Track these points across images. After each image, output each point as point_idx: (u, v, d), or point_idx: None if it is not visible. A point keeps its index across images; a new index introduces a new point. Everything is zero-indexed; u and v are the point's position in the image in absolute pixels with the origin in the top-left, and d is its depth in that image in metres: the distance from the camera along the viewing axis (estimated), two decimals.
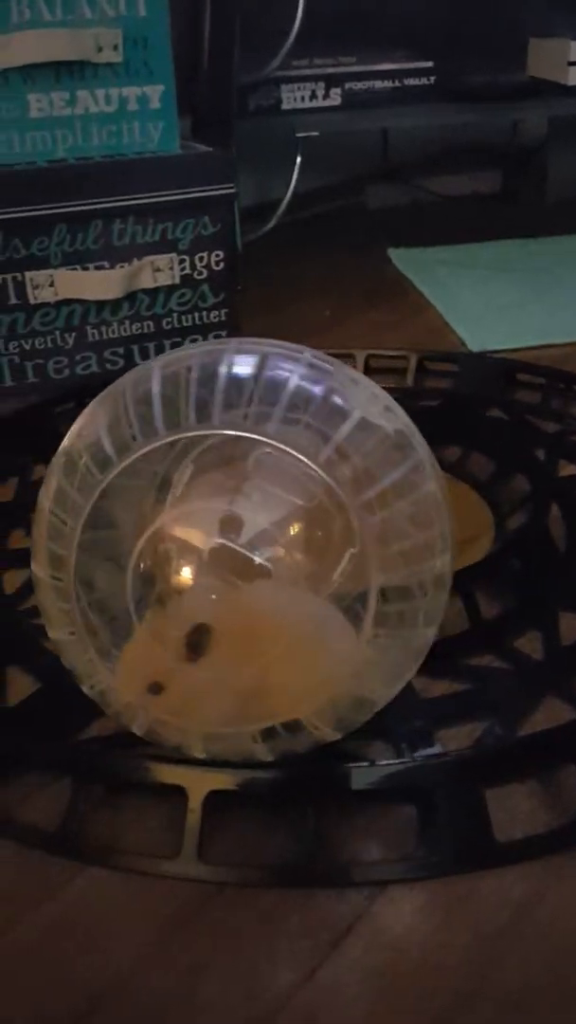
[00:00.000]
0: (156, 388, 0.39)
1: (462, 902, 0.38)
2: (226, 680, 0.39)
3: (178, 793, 0.41)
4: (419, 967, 0.36)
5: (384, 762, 0.44)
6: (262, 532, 0.38)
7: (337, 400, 0.39)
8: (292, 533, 0.39)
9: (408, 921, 0.38)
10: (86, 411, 0.41)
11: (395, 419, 0.41)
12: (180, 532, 0.39)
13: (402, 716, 0.47)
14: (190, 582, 0.39)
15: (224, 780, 0.42)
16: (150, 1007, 0.35)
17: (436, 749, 0.45)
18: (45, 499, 0.40)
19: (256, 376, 0.39)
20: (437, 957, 0.36)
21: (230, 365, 0.39)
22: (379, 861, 0.40)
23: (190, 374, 0.39)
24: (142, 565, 0.39)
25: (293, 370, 0.39)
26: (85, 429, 0.40)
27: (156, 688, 0.39)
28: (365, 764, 0.44)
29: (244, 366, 0.40)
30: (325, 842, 0.40)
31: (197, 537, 0.39)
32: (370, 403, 0.40)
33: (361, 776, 0.42)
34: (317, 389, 0.39)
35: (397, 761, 0.44)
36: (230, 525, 0.38)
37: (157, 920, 0.38)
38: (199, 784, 0.41)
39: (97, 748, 0.43)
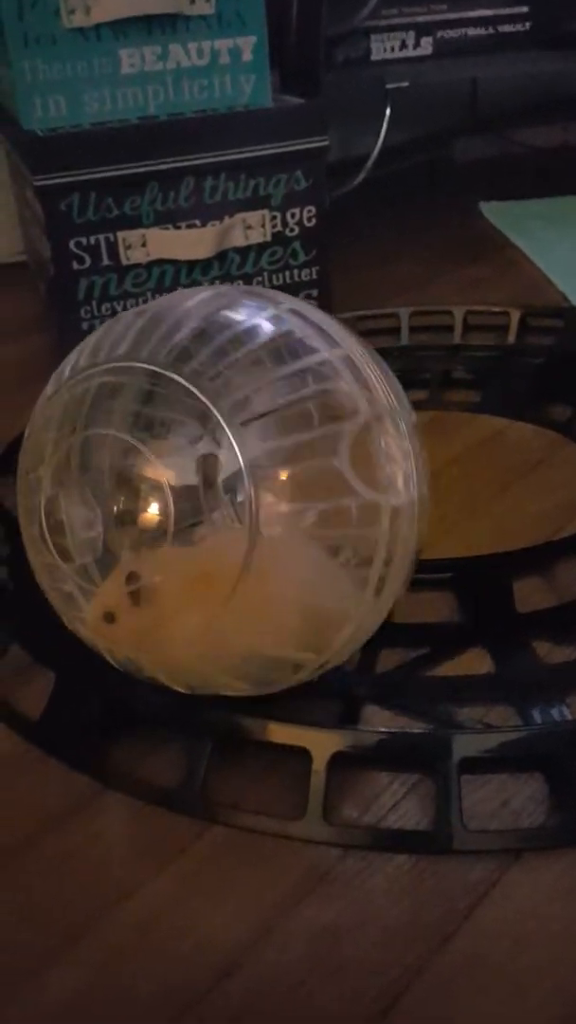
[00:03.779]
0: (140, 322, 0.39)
1: None
2: (175, 622, 0.38)
3: (300, 753, 0.41)
4: (561, 938, 0.35)
5: (512, 727, 0.43)
6: (237, 472, 0.37)
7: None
8: (270, 473, 0.37)
9: (546, 890, 0.36)
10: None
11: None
12: (151, 471, 0.38)
13: (527, 682, 0.45)
14: (157, 518, 0.38)
15: (348, 742, 0.41)
16: (290, 967, 0.34)
17: (566, 715, 0.43)
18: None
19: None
20: None
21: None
22: (511, 829, 0.39)
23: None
24: (115, 508, 0.39)
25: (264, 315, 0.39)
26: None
27: (109, 617, 0.38)
28: (494, 730, 0.42)
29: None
30: (454, 808, 0.39)
31: (170, 476, 0.37)
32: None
33: (490, 742, 0.41)
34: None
35: (526, 727, 0.43)
36: (208, 465, 0.37)
37: (286, 881, 0.38)
38: (323, 745, 0.41)
39: (217, 706, 0.43)
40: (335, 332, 0.40)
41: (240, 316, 0.39)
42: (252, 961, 0.35)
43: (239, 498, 0.37)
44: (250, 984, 0.34)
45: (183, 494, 0.37)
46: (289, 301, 0.40)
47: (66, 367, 0.40)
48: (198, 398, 0.37)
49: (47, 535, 0.40)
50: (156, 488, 0.37)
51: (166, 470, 0.37)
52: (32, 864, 0.39)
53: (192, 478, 0.37)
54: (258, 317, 0.39)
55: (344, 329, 0.40)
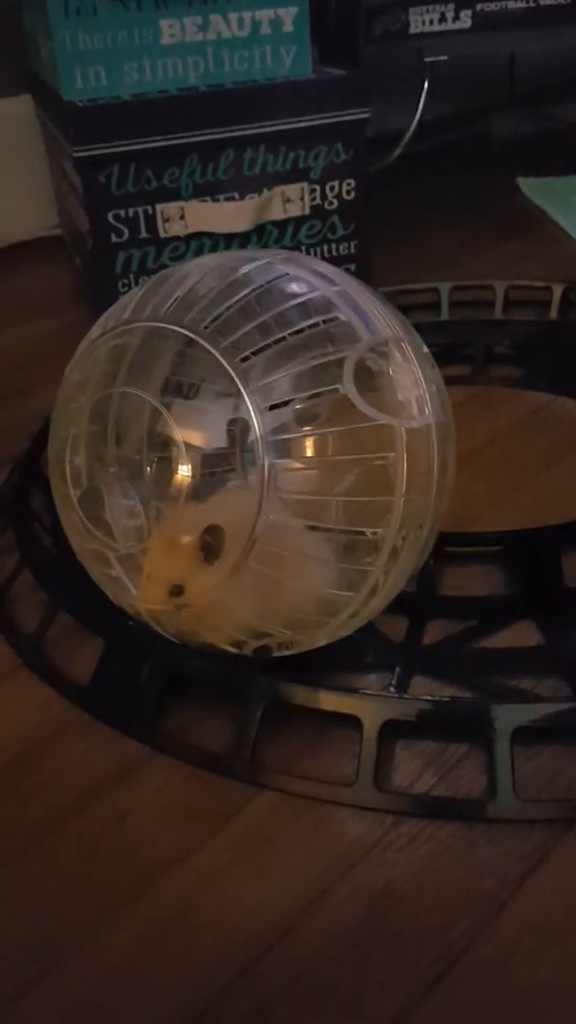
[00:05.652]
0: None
1: None
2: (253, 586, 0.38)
3: (351, 721, 0.41)
4: None
5: (564, 699, 0.42)
6: (265, 435, 0.36)
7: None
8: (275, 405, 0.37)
9: None
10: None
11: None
12: (182, 435, 0.38)
13: None
14: (188, 480, 0.38)
15: (400, 710, 0.41)
16: (346, 929, 0.34)
17: None
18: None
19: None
20: None
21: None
22: (564, 799, 0.39)
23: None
24: (148, 469, 0.39)
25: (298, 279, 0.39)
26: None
27: (177, 591, 0.38)
28: (545, 700, 0.42)
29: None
30: (506, 777, 0.39)
31: (199, 439, 0.38)
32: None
33: (542, 712, 0.40)
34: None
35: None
36: (235, 428, 0.38)
37: (339, 846, 0.38)
38: (374, 713, 0.40)
39: (268, 672, 0.43)
40: (330, 273, 0.40)
41: (236, 266, 0.39)
42: (309, 923, 0.35)
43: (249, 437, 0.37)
44: (308, 944, 0.34)
45: (210, 455, 0.38)
46: (285, 253, 0.41)
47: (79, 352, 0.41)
48: (201, 346, 0.37)
49: (87, 522, 0.40)
50: (183, 450, 0.38)
51: (191, 432, 0.37)
52: (85, 828, 0.39)
53: (221, 440, 0.37)
54: (251, 266, 0.39)
55: (340, 272, 0.41)
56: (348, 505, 0.39)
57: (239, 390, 0.36)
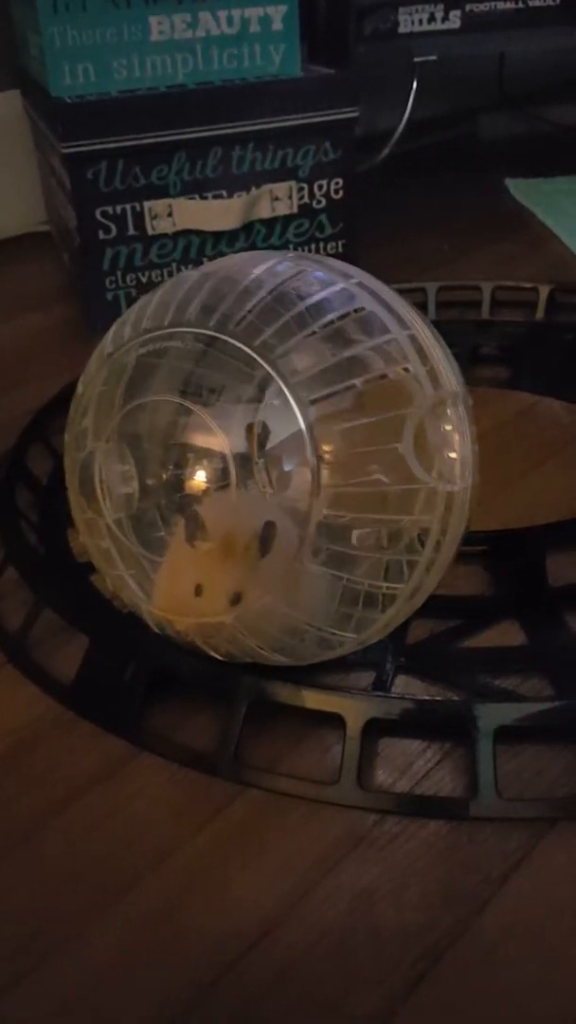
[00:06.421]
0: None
1: None
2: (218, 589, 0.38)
3: (334, 720, 0.41)
4: None
5: (547, 698, 0.43)
6: (286, 441, 0.36)
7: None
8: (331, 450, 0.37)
9: None
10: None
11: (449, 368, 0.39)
12: (201, 439, 0.38)
13: (560, 654, 0.45)
14: (204, 486, 0.38)
15: (383, 709, 0.41)
16: (329, 927, 0.35)
17: None
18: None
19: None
20: None
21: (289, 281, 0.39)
22: (546, 798, 0.39)
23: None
24: (164, 475, 0.39)
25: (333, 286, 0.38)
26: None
27: (237, 598, 0.38)
28: (529, 700, 0.42)
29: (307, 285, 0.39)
30: (488, 776, 0.39)
31: (220, 443, 0.37)
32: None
33: (525, 711, 0.41)
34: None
35: (560, 698, 0.43)
36: (258, 433, 0.37)
37: (322, 844, 0.38)
38: (358, 712, 0.40)
39: (252, 671, 0.43)
40: (403, 311, 0.39)
41: (310, 289, 0.38)
42: (292, 921, 0.35)
43: (287, 468, 0.36)
44: (291, 942, 0.34)
45: (237, 461, 0.37)
46: (358, 274, 0.40)
47: (125, 326, 0.40)
48: (261, 368, 0.36)
49: (97, 489, 0.40)
50: (211, 455, 0.37)
51: (223, 436, 0.37)
52: (70, 825, 0.39)
53: (243, 446, 0.37)
54: (327, 291, 0.38)
55: (411, 307, 0.40)
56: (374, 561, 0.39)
57: (284, 395, 0.36)
